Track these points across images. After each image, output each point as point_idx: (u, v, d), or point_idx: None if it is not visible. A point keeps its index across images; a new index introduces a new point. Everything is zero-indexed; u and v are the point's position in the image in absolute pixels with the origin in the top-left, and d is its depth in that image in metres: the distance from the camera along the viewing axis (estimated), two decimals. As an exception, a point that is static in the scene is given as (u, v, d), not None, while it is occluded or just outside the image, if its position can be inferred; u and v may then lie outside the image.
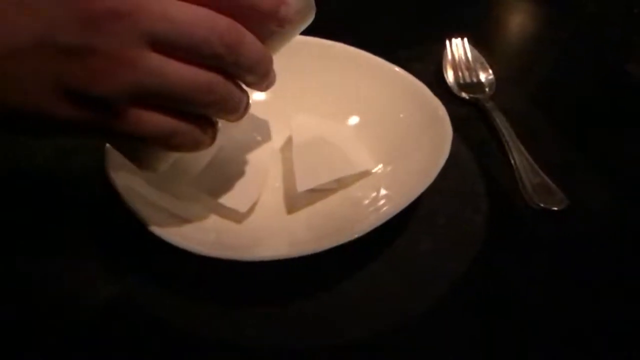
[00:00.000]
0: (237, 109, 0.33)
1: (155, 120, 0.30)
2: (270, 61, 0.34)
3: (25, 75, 0.28)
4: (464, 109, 0.55)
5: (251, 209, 0.42)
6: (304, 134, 0.47)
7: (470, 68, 0.58)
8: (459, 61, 0.59)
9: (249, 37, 0.31)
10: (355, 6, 0.70)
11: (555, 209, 0.44)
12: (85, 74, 0.28)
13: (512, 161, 0.48)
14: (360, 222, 0.38)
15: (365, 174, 0.45)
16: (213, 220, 0.41)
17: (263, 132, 0.48)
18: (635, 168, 0.50)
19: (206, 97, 0.31)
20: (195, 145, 0.33)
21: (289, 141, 0.48)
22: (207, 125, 0.33)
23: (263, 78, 0.33)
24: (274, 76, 0.35)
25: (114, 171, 0.39)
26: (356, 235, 0.36)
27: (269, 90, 0.48)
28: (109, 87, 0.28)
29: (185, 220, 0.40)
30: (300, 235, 0.41)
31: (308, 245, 0.36)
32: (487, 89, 0.56)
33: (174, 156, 0.35)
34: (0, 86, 0.28)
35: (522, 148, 0.48)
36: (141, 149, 0.33)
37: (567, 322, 0.38)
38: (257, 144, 0.47)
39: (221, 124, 0.35)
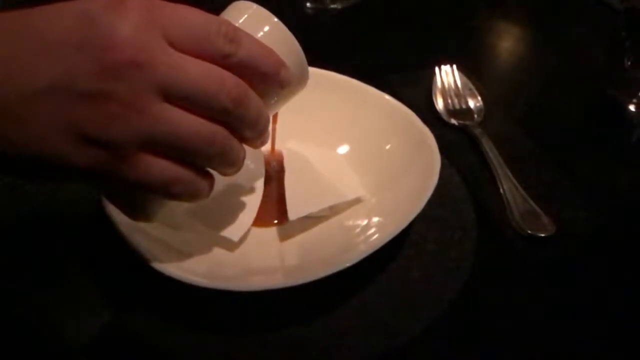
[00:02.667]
0: (236, 162, 0.35)
1: (161, 167, 0.32)
2: (268, 120, 0.36)
3: (41, 119, 0.29)
4: (453, 135, 0.56)
5: (244, 237, 0.43)
6: (296, 161, 0.48)
7: (460, 95, 0.59)
8: (449, 88, 0.60)
9: (253, 95, 0.33)
10: (345, 34, 0.72)
11: (543, 235, 0.45)
12: (100, 119, 0.29)
13: (500, 187, 0.49)
14: (352, 251, 0.39)
15: (357, 201, 0.46)
16: (206, 249, 0.42)
17: (255, 159, 0.49)
18: (622, 195, 0.51)
19: (210, 147, 0.32)
20: (194, 195, 0.34)
21: (280, 169, 0.48)
22: (207, 177, 0.35)
23: (260, 134, 0.35)
24: (268, 135, 0.37)
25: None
26: (347, 265, 0.37)
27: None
28: (121, 132, 0.30)
29: (178, 250, 0.40)
30: (292, 264, 0.42)
31: (300, 275, 0.37)
32: (475, 116, 0.57)
33: (170, 206, 0.36)
34: (15, 128, 0.29)
35: (510, 174, 0.49)
36: (140, 198, 0.34)
37: (556, 347, 0.39)
38: (250, 172, 0.47)
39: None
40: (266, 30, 0.35)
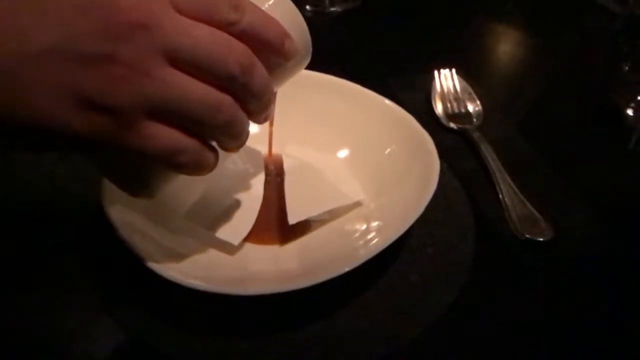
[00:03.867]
0: (241, 134, 0.34)
1: (166, 135, 0.31)
2: (273, 92, 0.35)
3: (39, 83, 0.28)
4: (452, 138, 0.56)
5: (244, 241, 0.43)
6: (296, 165, 0.49)
7: (459, 98, 0.60)
8: (447, 92, 0.60)
9: (259, 64, 0.33)
10: (344, 37, 0.72)
11: (541, 239, 0.45)
12: (103, 83, 0.28)
13: (499, 192, 0.49)
14: (351, 255, 0.39)
15: (356, 205, 0.46)
16: (205, 253, 0.42)
17: (255, 163, 0.49)
18: (621, 199, 0.51)
19: (216, 116, 0.31)
20: (198, 166, 0.33)
21: (280, 173, 0.49)
22: (212, 150, 0.34)
23: (265, 107, 0.34)
24: (273, 109, 0.36)
25: (110, 204, 0.40)
26: (346, 269, 0.37)
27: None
28: (126, 96, 0.28)
29: (177, 252, 0.40)
30: (291, 268, 0.42)
31: (299, 279, 0.37)
32: (474, 119, 0.57)
33: (172, 181, 0.36)
34: (14, 93, 0.27)
35: (509, 179, 0.50)
36: (143, 170, 0.33)
37: (553, 352, 0.39)
38: (250, 176, 0.48)
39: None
40: (271, 2, 0.35)
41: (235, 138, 0.34)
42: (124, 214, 0.40)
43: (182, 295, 0.37)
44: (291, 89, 0.50)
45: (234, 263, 0.42)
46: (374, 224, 0.43)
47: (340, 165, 0.49)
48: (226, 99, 0.32)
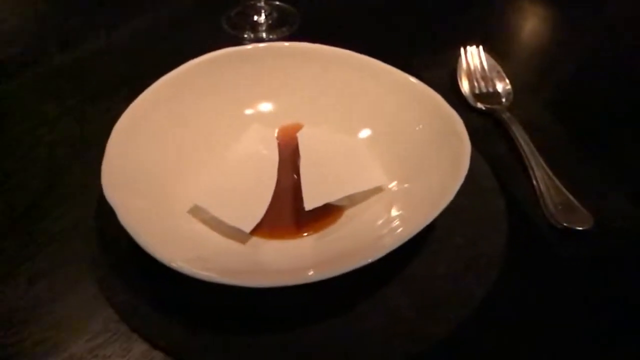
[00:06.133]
0: None
1: None
2: None
3: None
4: (480, 120, 0.52)
5: (256, 228, 0.40)
6: (313, 147, 0.45)
7: (486, 77, 0.56)
8: (474, 70, 0.56)
9: None
10: (367, 13, 0.68)
11: (580, 228, 0.42)
12: None
13: (533, 177, 0.45)
14: (373, 245, 0.36)
15: (378, 190, 0.43)
16: (216, 241, 0.39)
17: (269, 145, 0.46)
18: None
19: None
20: None
21: (296, 155, 0.45)
22: None
23: None
24: None
25: (110, 188, 0.37)
26: (369, 260, 0.34)
27: (275, 100, 0.47)
28: None
29: (185, 242, 0.37)
30: (308, 259, 0.39)
31: (316, 271, 0.34)
32: (504, 99, 0.54)
33: None
34: None
35: (543, 163, 0.46)
36: None
37: (590, 345, 0.36)
38: (263, 159, 0.45)
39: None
40: None
41: None
42: (126, 198, 0.37)
43: (191, 287, 0.34)
44: (308, 64, 0.47)
45: (246, 253, 0.39)
46: (398, 212, 0.40)
47: (361, 146, 0.45)
48: None
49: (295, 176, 0.44)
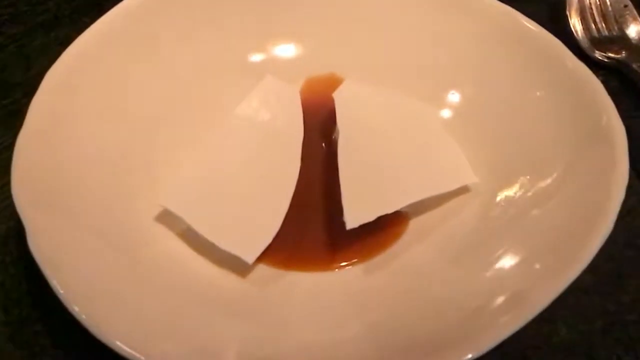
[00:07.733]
0: None
1: None
2: None
3: None
4: (600, 75, 0.38)
5: (266, 253, 0.26)
6: (359, 116, 0.31)
7: (609, 15, 0.44)
8: (591, 4, 0.44)
9: None
10: None
11: None
12: None
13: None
14: (465, 324, 0.21)
15: (464, 190, 0.29)
16: (210, 281, 0.26)
17: (288, 110, 0.32)
18: None
19: None
20: None
21: (331, 128, 0.32)
22: None
23: None
24: None
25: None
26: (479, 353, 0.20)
27: (300, 40, 0.34)
28: None
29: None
30: (344, 331, 0.24)
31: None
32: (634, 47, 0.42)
33: None
34: None
35: None
36: None
37: None
38: (278, 134, 0.31)
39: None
40: None
41: None
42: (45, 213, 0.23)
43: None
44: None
45: (245, 299, 0.26)
46: (501, 248, 0.25)
47: (436, 123, 0.31)
48: None
49: (329, 167, 0.30)
